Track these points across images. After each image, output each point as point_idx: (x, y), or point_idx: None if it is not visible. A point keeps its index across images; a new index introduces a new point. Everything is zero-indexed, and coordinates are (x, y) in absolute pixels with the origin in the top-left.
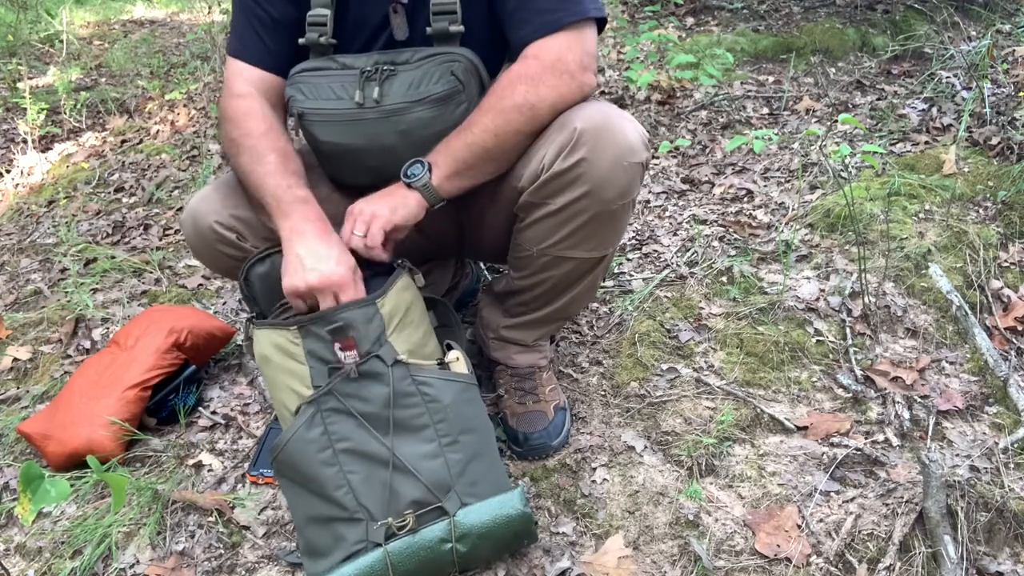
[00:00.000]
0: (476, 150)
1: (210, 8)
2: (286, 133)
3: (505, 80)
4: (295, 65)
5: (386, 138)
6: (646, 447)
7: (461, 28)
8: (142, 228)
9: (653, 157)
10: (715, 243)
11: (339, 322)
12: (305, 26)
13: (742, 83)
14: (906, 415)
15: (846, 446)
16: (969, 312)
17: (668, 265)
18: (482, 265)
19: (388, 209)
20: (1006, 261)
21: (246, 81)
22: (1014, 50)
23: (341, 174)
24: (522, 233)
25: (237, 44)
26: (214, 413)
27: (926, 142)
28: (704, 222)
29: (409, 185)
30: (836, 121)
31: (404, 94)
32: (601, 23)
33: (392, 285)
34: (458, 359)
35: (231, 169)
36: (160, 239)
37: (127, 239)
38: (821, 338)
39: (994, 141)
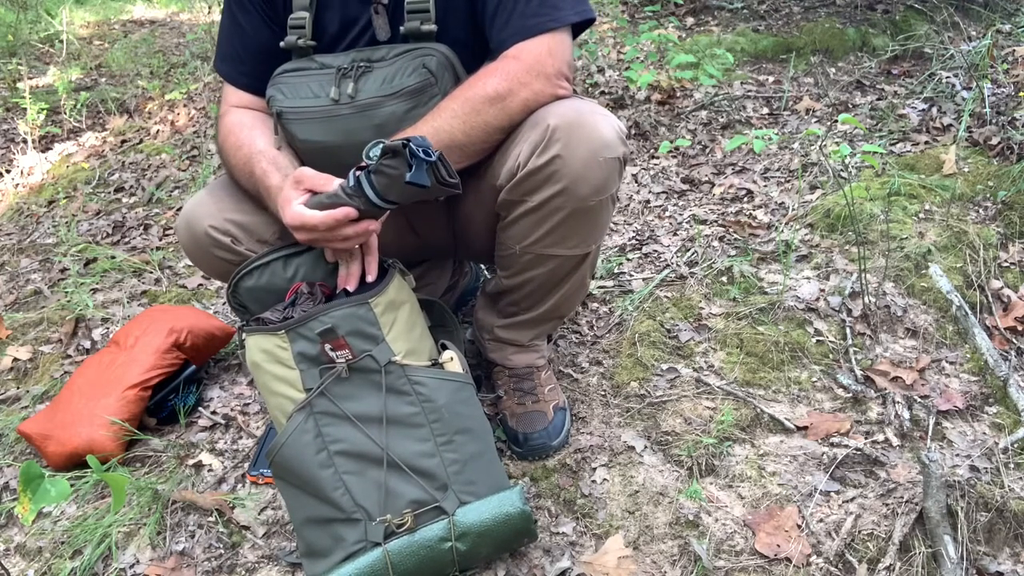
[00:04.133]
0: (443, 137)
1: (210, 8)
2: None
3: (480, 72)
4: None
5: (361, 134)
6: (646, 447)
7: (434, 27)
8: (142, 228)
9: (652, 157)
10: (715, 243)
11: (329, 323)
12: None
13: (742, 83)
14: (906, 415)
15: (846, 446)
16: (969, 312)
17: (668, 265)
18: (482, 264)
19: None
20: (1006, 261)
21: (239, 103)
22: (1014, 50)
23: None
24: (504, 231)
25: (226, 68)
26: (214, 413)
27: (926, 142)
28: (704, 222)
29: None
30: (836, 121)
31: (378, 89)
32: (587, 23)
33: (386, 285)
34: (452, 359)
35: (226, 173)
36: (160, 239)
37: (127, 239)
38: (821, 338)
39: (994, 141)
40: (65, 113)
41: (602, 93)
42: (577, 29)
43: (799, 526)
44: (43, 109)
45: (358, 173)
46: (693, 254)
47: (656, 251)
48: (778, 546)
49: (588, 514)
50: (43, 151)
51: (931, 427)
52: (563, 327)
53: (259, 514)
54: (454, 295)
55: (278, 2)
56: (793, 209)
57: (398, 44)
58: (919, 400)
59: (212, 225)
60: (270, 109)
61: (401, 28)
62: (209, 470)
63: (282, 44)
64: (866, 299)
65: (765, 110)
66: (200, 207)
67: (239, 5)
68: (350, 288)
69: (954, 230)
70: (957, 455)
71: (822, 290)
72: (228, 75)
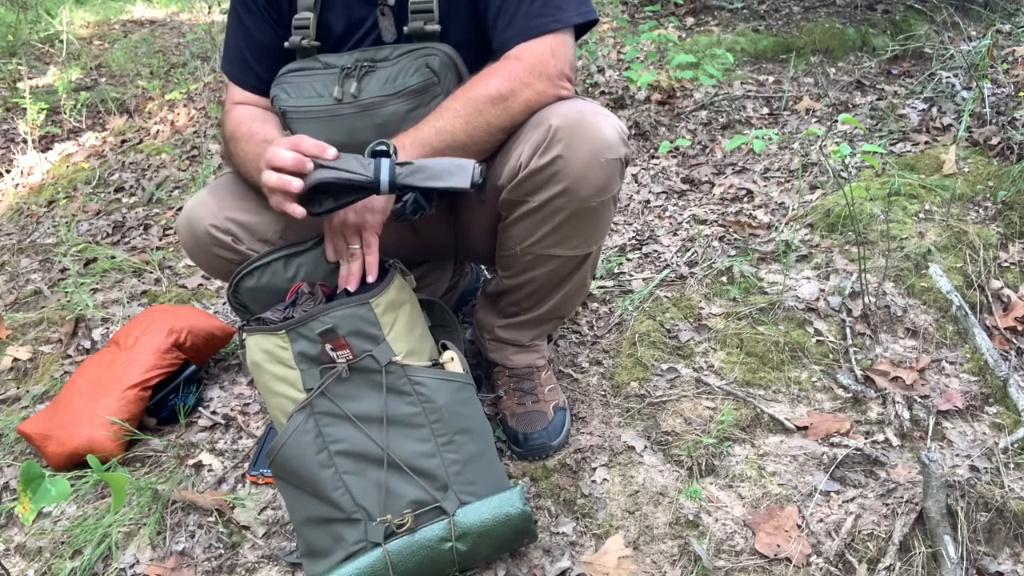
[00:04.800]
0: (445, 136)
1: (210, 8)
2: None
3: (483, 73)
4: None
5: (364, 133)
6: (646, 447)
7: (437, 27)
8: (142, 228)
9: (652, 157)
10: (715, 243)
11: (330, 323)
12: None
13: (742, 83)
14: (906, 415)
15: (846, 446)
16: (969, 312)
17: (668, 265)
18: (483, 265)
19: (368, 211)
20: (1006, 261)
21: (244, 101)
22: (1014, 50)
23: None
24: (505, 232)
25: (232, 69)
26: (214, 413)
27: (926, 142)
28: (704, 222)
29: None
30: (836, 121)
31: (380, 88)
32: (590, 24)
33: (387, 285)
34: (453, 359)
35: (231, 168)
36: (160, 239)
37: (127, 239)
38: (821, 338)
39: (994, 141)
40: (65, 113)
41: (602, 93)
42: (580, 30)
43: (799, 526)
44: (43, 109)
45: (379, 158)
46: (693, 254)
47: (656, 251)
48: (778, 546)
49: (588, 514)
50: (43, 151)
51: (931, 427)
52: (563, 327)
53: (259, 514)
54: (454, 296)
55: (283, 3)
56: (793, 209)
57: (402, 44)
58: (919, 400)
59: (213, 224)
60: (274, 108)
61: (405, 28)
62: (209, 470)
63: (286, 44)
64: (866, 299)
65: (765, 110)
66: (201, 206)
67: (243, 7)
68: (351, 288)
69: (954, 230)
70: (957, 455)
71: (822, 290)
72: (234, 76)
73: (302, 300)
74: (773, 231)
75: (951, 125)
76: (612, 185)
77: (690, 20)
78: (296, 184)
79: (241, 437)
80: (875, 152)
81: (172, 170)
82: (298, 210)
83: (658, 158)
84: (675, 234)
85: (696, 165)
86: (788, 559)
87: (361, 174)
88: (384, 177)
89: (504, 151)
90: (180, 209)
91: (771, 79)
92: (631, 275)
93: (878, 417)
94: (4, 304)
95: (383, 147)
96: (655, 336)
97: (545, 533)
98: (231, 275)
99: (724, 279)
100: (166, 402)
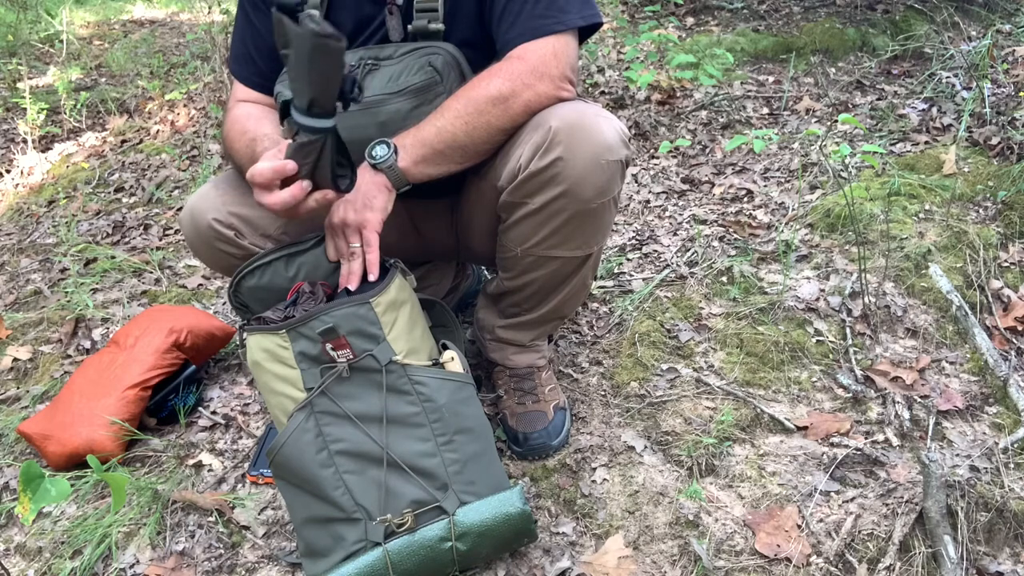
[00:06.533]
0: (445, 136)
1: (210, 8)
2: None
3: (484, 73)
4: None
5: (366, 130)
6: (646, 447)
7: (441, 26)
8: (142, 228)
9: (652, 157)
10: (715, 243)
11: (330, 323)
12: None
13: (742, 83)
14: (906, 415)
15: (846, 446)
16: (969, 312)
17: (668, 265)
18: (483, 266)
19: (368, 209)
20: (1006, 261)
21: (247, 99)
22: (1014, 50)
23: None
24: (505, 234)
25: (237, 66)
26: (214, 413)
27: (926, 142)
28: (704, 222)
29: (374, 167)
30: (836, 121)
31: (383, 86)
32: (594, 27)
33: (388, 285)
34: (453, 359)
35: (231, 166)
36: (160, 239)
37: (127, 239)
38: (821, 338)
39: (994, 141)
40: (65, 113)
41: (602, 93)
42: (584, 34)
43: (799, 526)
44: (43, 109)
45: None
46: (693, 254)
47: (656, 251)
48: (778, 546)
49: (588, 514)
50: (43, 151)
51: (931, 427)
52: (563, 327)
53: (259, 514)
54: (455, 297)
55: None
56: (793, 209)
57: (406, 43)
58: (919, 400)
59: (216, 218)
60: (277, 104)
61: (409, 27)
62: (209, 470)
63: None
64: (866, 299)
65: (765, 110)
66: (204, 200)
67: (252, 4)
68: (351, 287)
69: (954, 230)
70: (957, 455)
71: (822, 290)
72: (240, 75)
73: (303, 299)
74: (773, 231)
75: (951, 125)
76: (612, 187)
77: (690, 20)
78: (291, 167)
79: (241, 437)
80: (875, 152)
81: (172, 170)
82: (330, 195)
83: (658, 158)
84: (675, 234)
85: (696, 165)
86: (788, 559)
87: (314, 131)
88: (308, 122)
89: (504, 153)
90: (180, 209)
91: (771, 79)
92: (631, 275)
93: (878, 417)
94: (4, 304)
95: (384, 146)
96: (655, 336)
97: (545, 533)
98: (232, 270)
99: (724, 279)
100: (166, 402)
